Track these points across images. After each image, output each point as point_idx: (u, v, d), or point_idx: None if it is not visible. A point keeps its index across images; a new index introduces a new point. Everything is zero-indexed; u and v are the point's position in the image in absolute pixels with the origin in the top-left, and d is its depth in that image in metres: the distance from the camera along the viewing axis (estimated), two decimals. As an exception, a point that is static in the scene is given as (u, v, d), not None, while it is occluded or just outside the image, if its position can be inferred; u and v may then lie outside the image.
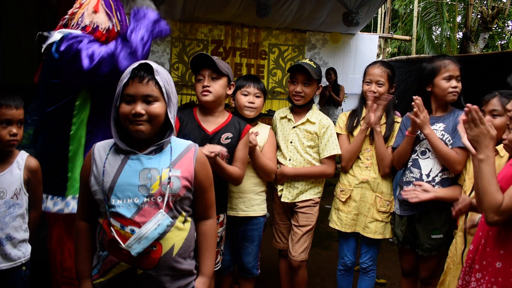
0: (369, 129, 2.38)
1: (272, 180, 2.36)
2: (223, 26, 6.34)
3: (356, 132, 2.40)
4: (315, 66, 2.38)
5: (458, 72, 2.20)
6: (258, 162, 2.23)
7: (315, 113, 2.43)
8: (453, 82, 2.20)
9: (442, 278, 2.03)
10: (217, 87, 2.00)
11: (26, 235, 1.80)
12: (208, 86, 1.98)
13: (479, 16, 10.03)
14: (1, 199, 1.70)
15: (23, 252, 1.78)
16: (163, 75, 1.35)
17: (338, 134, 2.43)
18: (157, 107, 1.32)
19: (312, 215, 2.40)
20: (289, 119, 2.44)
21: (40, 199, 1.87)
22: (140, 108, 1.29)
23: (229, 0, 5.47)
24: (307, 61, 2.39)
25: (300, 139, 2.39)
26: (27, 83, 4.17)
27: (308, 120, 2.39)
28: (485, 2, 10.43)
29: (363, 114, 2.41)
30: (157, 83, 1.32)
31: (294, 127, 2.41)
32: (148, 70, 1.32)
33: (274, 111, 3.14)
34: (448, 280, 1.99)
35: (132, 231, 1.28)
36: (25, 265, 1.79)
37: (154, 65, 1.34)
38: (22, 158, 1.78)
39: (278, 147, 2.46)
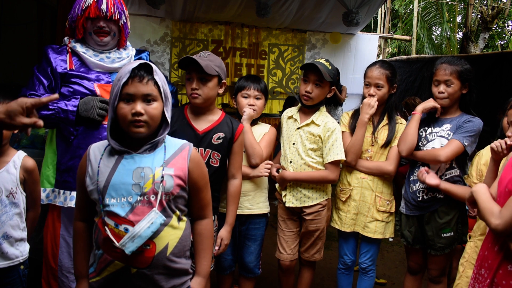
0: (372, 129, 2.37)
1: (256, 164, 2.24)
2: (223, 26, 6.33)
3: None
4: (330, 68, 2.27)
5: (447, 77, 2.16)
6: (247, 139, 2.17)
7: (322, 115, 2.34)
8: (441, 87, 2.18)
9: (457, 282, 2.03)
10: (206, 90, 1.92)
11: (24, 234, 1.80)
12: (196, 89, 1.91)
13: (479, 16, 10.02)
14: (-3, 197, 1.70)
15: (21, 251, 1.77)
16: (160, 76, 1.38)
17: (341, 132, 2.37)
18: (155, 107, 1.34)
19: (321, 220, 2.35)
20: (295, 119, 2.38)
21: (37, 199, 1.87)
22: (140, 107, 1.31)
23: (229, 0, 5.47)
24: (322, 61, 2.28)
25: (302, 141, 2.32)
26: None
27: (312, 122, 2.31)
28: (485, 2, 10.43)
29: None
30: (156, 83, 1.35)
31: (298, 128, 2.35)
32: (147, 70, 1.34)
33: (274, 113, 3.10)
34: (462, 284, 1.99)
35: (126, 230, 1.28)
36: (23, 264, 1.79)
37: (153, 65, 1.37)
38: (19, 157, 1.79)
39: (281, 149, 2.44)
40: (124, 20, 2.06)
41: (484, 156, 2.11)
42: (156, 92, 1.34)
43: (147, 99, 1.33)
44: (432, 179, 2.10)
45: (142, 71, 1.34)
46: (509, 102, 1.98)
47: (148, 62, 1.37)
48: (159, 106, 1.35)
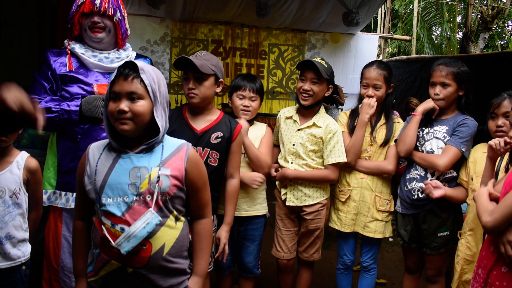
0: (370, 129, 2.38)
1: (266, 173, 2.29)
2: (223, 26, 6.33)
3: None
4: (326, 66, 2.30)
5: (442, 78, 2.16)
6: (250, 152, 2.20)
7: (322, 117, 2.35)
8: (436, 89, 2.19)
9: (456, 281, 2.04)
10: (203, 89, 1.92)
11: (26, 234, 1.80)
12: (193, 89, 1.92)
13: (479, 16, 10.02)
14: (0, 198, 1.70)
15: (23, 251, 1.78)
16: (149, 74, 1.36)
17: None
18: (140, 105, 1.33)
19: (321, 219, 2.36)
20: (295, 121, 2.38)
21: (39, 199, 1.88)
22: (123, 105, 1.31)
23: (229, 0, 5.47)
24: (318, 59, 2.31)
25: (303, 143, 2.32)
26: (27, 83, 4.17)
27: (314, 124, 2.32)
28: (485, 2, 10.43)
29: None
30: (142, 81, 1.33)
31: (299, 129, 2.34)
32: (134, 69, 1.34)
33: (274, 113, 3.08)
34: (460, 282, 2.00)
35: (122, 230, 1.29)
36: (25, 265, 1.80)
37: (140, 63, 1.35)
38: (22, 158, 1.79)
39: (280, 148, 2.44)
40: (120, 17, 2.06)
41: (472, 154, 2.13)
42: (141, 90, 1.33)
43: (131, 97, 1.33)
44: (438, 191, 2.10)
45: (127, 70, 1.33)
46: (492, 105, 1.99)
47: (134, 61, 1.36)
48: (145, 104, 1.34)
